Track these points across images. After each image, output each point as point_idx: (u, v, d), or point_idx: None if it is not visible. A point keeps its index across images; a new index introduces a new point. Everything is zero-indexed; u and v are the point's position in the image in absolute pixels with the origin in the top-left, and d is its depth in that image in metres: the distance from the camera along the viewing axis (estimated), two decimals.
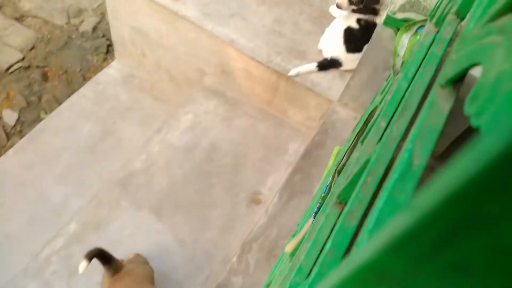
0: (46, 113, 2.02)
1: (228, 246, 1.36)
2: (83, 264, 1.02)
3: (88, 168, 1.73)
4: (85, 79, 2.15)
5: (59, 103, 1.97)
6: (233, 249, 1.33)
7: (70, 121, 1.86)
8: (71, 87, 2.12)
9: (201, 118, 1.72)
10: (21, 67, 2.13)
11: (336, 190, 0.54)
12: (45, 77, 2.14)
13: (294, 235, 0.81)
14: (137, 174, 1.53)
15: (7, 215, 1.59)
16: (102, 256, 1.07)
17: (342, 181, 0.53)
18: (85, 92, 1.96)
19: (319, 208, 0.72)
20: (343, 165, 0.73)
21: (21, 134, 1.94)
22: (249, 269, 1.17)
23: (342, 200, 0.48)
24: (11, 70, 2.11)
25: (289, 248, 0.71)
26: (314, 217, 0.69)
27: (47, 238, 1.51)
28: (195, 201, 1.48)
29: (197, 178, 1.54)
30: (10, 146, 1.85)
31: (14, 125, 1.98)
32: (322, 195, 0.74)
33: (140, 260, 1.21)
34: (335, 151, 1.34)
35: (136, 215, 1.45)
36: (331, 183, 0.73)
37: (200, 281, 1.31)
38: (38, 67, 2.16)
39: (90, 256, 1.03)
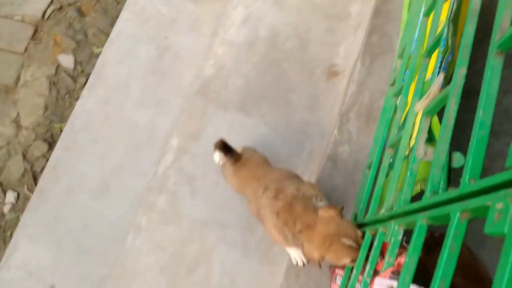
0: (97, 47, 2.05)
1: (321, 121, 1.45)
2: (216, 154, 1.17)
3: (159, 86, 1.80)
4: (118, 3, 2.11)
5: (106, 34, 1.98)
6: (326, 123, 1.43)
7: (124, 48, 1.88)
8: (109, 15, 2.10)
9: (251, 9, 1.69)
10: (54, 10, 2.11)
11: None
12: (81, 13, 2.11)
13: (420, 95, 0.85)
14: (212, 80, 1.59)
15: (108, 149, 1.74)
16: (224, 146, 1.19)
17: None
18: (126, 16, 1.94)
19: (441, 64, 0.76)
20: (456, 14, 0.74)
21: (84, 74, 2.01)
22: (352, 137, 1.27)
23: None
24: (46, 15, 2.10)
25: (420, 107, 0.77)
26: (439, 73, 0.73)
27: (151, 158, 1.68)
28: (274, 89, 1.55)
29: (268, 67, 1.58)
30: (80, 88, 1.95)
31: (74, 67, 2.04)
32: (441, 49, 0.77)
33: (251, 149, 1.33)
34: (406, 2, 1.30)
35: (225, 117, 1.55)
36: (447, 35, 0.75)
37: (304, 157, 1.44)
38: (69, 4, 2.12)
39: (219, 146, 1.16)
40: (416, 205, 0.65)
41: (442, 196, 0.56)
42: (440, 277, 0.49)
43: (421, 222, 0.61)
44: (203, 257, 1.40)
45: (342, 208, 0.93)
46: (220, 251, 1.40)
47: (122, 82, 1.82)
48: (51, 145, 1.94)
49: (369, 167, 1.12)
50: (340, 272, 1.05)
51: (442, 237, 0.52)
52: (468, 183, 0.49)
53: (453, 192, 0.52)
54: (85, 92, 1.85)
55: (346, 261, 0.91)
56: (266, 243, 1.38)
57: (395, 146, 0.92)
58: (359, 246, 0.89)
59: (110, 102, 1.81)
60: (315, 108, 1.48)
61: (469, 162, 0.50)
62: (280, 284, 1.23)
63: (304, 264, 1.20)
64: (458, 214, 0.49)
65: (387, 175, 0.95)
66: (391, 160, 0.96)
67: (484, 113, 0.51)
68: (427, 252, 1.09)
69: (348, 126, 1.28)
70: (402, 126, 0.91)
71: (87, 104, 1.82)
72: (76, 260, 1.61)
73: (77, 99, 1.88)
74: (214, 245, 1.41)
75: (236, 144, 1.50)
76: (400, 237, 0.73)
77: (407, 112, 0.89)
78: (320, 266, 0.93)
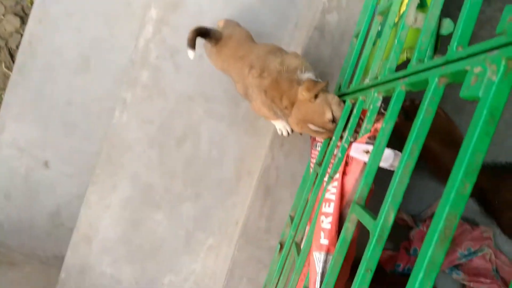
0: None
1: None
2: (190, 52, 1.10)
3: None
4: None
5: None
6: None
7: None
8: None
9: None
10: None
11: None
12: None
13: None
14: None
15: (84, 21, 1.63)
16: (200, 33, 1.13)
17: None
18: None
19: None
20: None
21: None
22: (342, 3, 1.20)
23: None
24: None
25: None
26: None
27: (131, 30, 1.60)
28: None
29: None
30: None
31: None
32: None
33: (233, 23, 1.26)
34: None
35: None
36: None
37: (290, 28, 1.38)
38: None
39: (192, 42, 1.10)
40: (401, 73, 0.65)
41: (428, 64, 0.55)
42: (413, 140, 0.52)
43: (400, 88, 0.62)
44: (190, 129, 1.44)
45: (327, 84, 0.92)
46: (207, 123, 1.44)
47: None
48: (23, 19, 1.81)
49: (356, 36, 1.09)
50: (320, 140, 1.10)
51: None
52: (455, 50, 0.48)
53: (439, 60, 0.52)
54: None
55: (317, 138, 0.96)
56: (252, 115, 1.41)
57: (385, 13, 0.88)
58: (327, 129, 0.92)
59: None
60: None
61: (459, 28, 0.49)
62: (265, 153, 1.30)
63: (288, 133, 1.25)
64: (436, 79, 0.49)
65: (374, 44, 0.93)
66: (379, 28, 0.93)
67: None
68: (406, 119, 1.14)
69: None
70: None
71: None
72: (64, 136, 1.65)
73: None
74: (201, 118, 1.44)
75: (220, 15, 1.42)
76: (379, 103, 0.74)
77: None
78: (288, 134, 0.98)
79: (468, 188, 0.39)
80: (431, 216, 1.26)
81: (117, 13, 1.62)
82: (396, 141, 0.86)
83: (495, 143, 1.28)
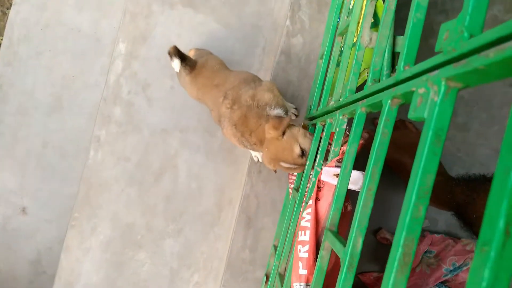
0: None
1: (273, 11, 1.36)
2: (175, 62, 1.08)
3: None
4: None
5: None
6: (278, 14, 1.34)
7: None
8: None
9: None
10: None
11: None
12: None
13: None
14: None
15: (54, 60, 1.62)
16: (178, 54, 1.10)
17: None
18: None
19: None
20: None
21: None
22: (305, 26, 1.20)
23: None
24: None
25: None
26: None
27: (102, 66, 1.59)
28: None
29: None
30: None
31: None
32: None
33: (205, 52, 1.26)
34: None
35: (172, 14, 1.43)
36: None
37: (258, 54, 1.38)
38: None
39: (173, 53, 1.08)
40: (359, 94, 0.63)
41: (381, 84, 0.54)
42: (372, 163, 0.50)
43: (360, 110, 0.60)
44: (168, 163, 1.42)
45: (290, 119, 0.91)
46: (184, 155, 1.41)
47: None
48: None
49: (321, 57, 1.09)
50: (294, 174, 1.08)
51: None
52: (403, 70, 0.47)
53: (390, 81, 0.50)
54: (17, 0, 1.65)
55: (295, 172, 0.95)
56: (228, 143, 1.39)
57: (344, 33, 0.88)
58: (299, 164, 0.91)
59: (47, 8, 1.63)
60: None
61: (405, 47, 0.47)
62: (245, 181, 1.27)
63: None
64: (389, 100, 0.48)
65: (337, 65, 0.93)
66: (342, 48, 0.93)
67: None
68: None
69: (300, 14, 1.20)
70: (351, 11, 0.86)
71: (22, 12, 1.64)
72: (42, 180, 1.60)
73: (9, 7, 1.69)
74: (177, 150, 1.41)
75: (188, 44, 1.42)
76: (344, 126, 0.73)
77: None
78: (275, 171, 0.97)
79: (422, 211, 0.37)
80: None
81: (87, 50, 1.61)
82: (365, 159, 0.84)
83: (468, 154, 1.28)
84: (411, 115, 0.40)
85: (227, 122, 1.02)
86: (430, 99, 0.37)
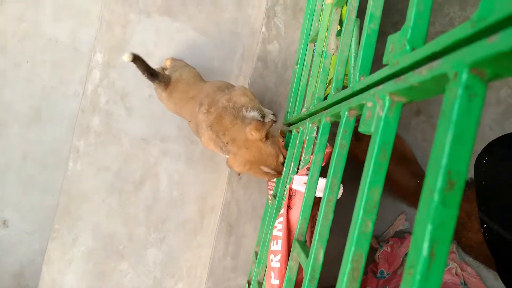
0: None
1: (250, 18, 1.36)
2: (127, 54, 1.04)
3: None
4: None
5: None
6: (255, 20, 1.34)
7: None
8: None
9: None
10: None
11: None
12: None
13: None
14: None
15: (32, 71, 1.61)
16: (147, 69, 1.09)
17: None
18: None
19: None
20: None
21: None
22: (281, 32, 1.20)
23: None
24: None
25: None
26: None
27: (80, 76, 1.57)
28: None
29: None
30: None
31: None
32: None
33: (180, 64, 1.25)
34: None
35: (149, 22, 1.42)
36: None
37: (237, 60, 1.38)
38: None
39: (135, 55, 1.05)
40: (325, 103, 0.64)
41: (340, 94, 0.54)
42: (332, 174, 0.50)
43: (325, 119, 0.61)
44: (148, 172, 1.41)
45: (272, 124, 0.90)
46: (165, 164, 1.41)
47: None
48: None
49: (297, 63, 1.09)
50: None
51: None
52: (358, 80, 0.47)
53: (347, 90, 0.51)
54: None
55: (265, 179, 0.94)
56: (208, 152, 1.39)
57: (315, 40, 0.88)
58: (279, 171, 0.90)
59: (23, 20, 1.62)
60: (243, 4, 1.37)
61: (360, 57, 0.48)
62: (225, 188, 1.27)
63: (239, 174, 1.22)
64: (346, 112, 0.48)
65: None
66: (313, 55, 0.93)
67: (374, 4, 0.47)
68: (356, 141, 1.13)
69: (275, 21, 1.20)
70: (320, 18, 0.86)
71: None
72: (22, 192, 1.58)
73: None
74: (158, 159, 1.41)
75: (166, 53, 1.41)
76: (314, 134, 0.73)
77: (324, 3, 0.83)
78: (239, 176, 0.96)
79: (370, 226, 0.38)
80: (394, 235, 1.24)
81: (65, 60, 1.60)
82: (351, 163, 0.84)
83: None
84: (361, 128, 0.40)
85: (204, 127, 1.01)
86: (376, 113, 0.37)
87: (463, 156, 0.24)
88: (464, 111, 0.24)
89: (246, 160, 0.91)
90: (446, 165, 0.24)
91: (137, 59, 1.05)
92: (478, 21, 0.24)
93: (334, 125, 0.62)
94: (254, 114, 0.96)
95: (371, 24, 0.47)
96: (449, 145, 0.24)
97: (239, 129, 0.92)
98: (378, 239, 1.25)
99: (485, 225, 0.79)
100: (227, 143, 0.93)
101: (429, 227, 0.24)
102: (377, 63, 0.50)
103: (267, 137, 0.90)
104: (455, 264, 1.13)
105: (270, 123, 0.89)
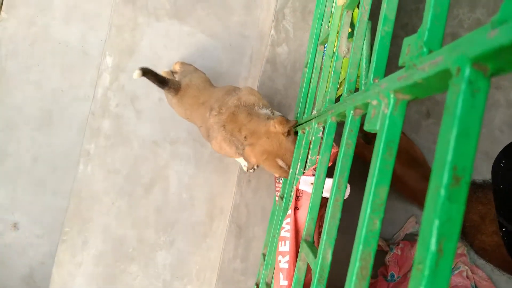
0: None
1: (258, 21, 1.37)
2: (137, 72, 1.05)
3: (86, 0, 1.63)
4: None
5: None
6: (264, 23, 1.35)
7: None
8: None
9: None
10: None
11: None
12: None
13: None
14: None
15: (42, 74, 1.63)
16: (156, 78, 1.10)
17: None
18: None
19: None
20: None
21: None
22: (290, 35, 1.21)
23: None
24: None
25: (341, 0, 0.72)
26: None
27: (91, 79, 1.59)
28: None
29: None
30: None
31: None
32: None
33: (190, 69, 1.26)
34: None
35: (159, 26, 1.44)
36: None
37: (246, 63, 1.39)
38: None
39: (144, 70, 1.06)
40: (335, 106, 0.64)
41: (355, 96, 0.54)
42: (338, 174, 0.50)
43: (330, 119, 0.61)
44: (158, 175, 1.41)
45: (296, 123, 0.91)
46: (174, 166, 1.41)
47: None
48: None
49: (306, 65, 1.09)
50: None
51: None
52: (372, 82, 0.47)
53: (360, 93, 0.51)
54: (3, 14, 1.65)
55: (276, 174, 0.94)
56: (218, 154, 1.39)
57: (325, 42, 0.88)
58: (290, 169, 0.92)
59: (34, 24, 1.64)
60: (251, 7, 1.37)
61: (373, 60, 0.48)
62: (235, 191, 1.27)
63: (254, 169, 1.23)
64: (352, 111, 0.48)
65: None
66: (323, 58, 0.93)
67: (388, 6, 0.47)
68: (366, 142, 1.13)
69: (284, 23, 1.20)
70: (330, 21, 0.86)
71: (9, 28, 1.64)
72: (33, 194, 1.60)
73: None
74: (167, 162, 1.41)
75: (175, 56, 1.42)
76: (320, 134, 0.73)
77: (334, 5, 0.83)
78: (254, 169, 0.96)
79: (378, 224, 0.38)
80: (404, 238, 1.24)
81: (75, 63, 1.61)
82: (361, 165, 0.84)
83: None
84: (366, 126, 0.40)
85: (216, 128, 1.02)
86: (381, 111, 0.37)
87: (468, 152, 0.24)
88: (468, 106, 0.24)
89: (265, 149, 0.92)
90: (451, 160, 0.24)
91: (146, 73, 1.06)
92: (499, 23, 0.24)
93: (340, 125, 0.62)
94: (267, 111, 0.97)
95: (385, 27, 0.47)
96: (454, 140, 0.24)
97: (258, 123, 0.93)
98: (388, 242, 1.24)
99: (504, 229, 0.78)
100: (245, 137, 0.94)
101: (436, 223, 0.24)
102: (388, 64, 0.51)
103: (289, 133, 0.91)
104: (466, 267, 1.12)
105: (294, 121, 0.90)
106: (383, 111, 0.36)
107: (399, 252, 1.18)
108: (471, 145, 0.24)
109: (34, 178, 1.61)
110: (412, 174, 1.11)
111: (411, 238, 1.25)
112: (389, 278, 1.15)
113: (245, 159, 0.97)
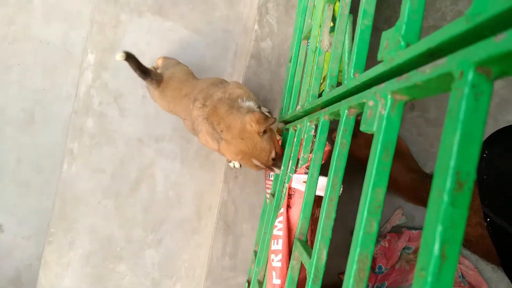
0: None
1: (242, 16, 1.35)
2: (121, 53, 1.03)
3: None
4: None
5: None
6: (248, 17, 1.34)
7: None
8: None
9: None
10: None
11: None
12: None
13: None
14: None
15: (24, 74, 1.59)
16: (139, 67, 1.08)
17: None
18: None
19: None
20: None
21: None
22: (273, 30, 1.20)
23: None
24: None
25: None
26: None
27: (73, 78, 1.56)
28: None
29: None
30: None
31: None
32: None
33: (172, 62, 1.24)
34: None
35: (141, 22, 1.41)
36: None
37: (230, 58, 1.37)
38: None
39: (128, 54, 1.04)
40: (319, 100, 0.63)
41: (337, 91, 0.54)
42: (333, 173, 0.50)
43: (323, 118, 0.60)
44: (144, 173, 1.40)
45: (274, 122, 0.90)
46: (160, 164, 1.40)
47: None
48: None
49: (290, 60, 1.09)
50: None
51: None
52: (353, 76, 0.47)
53: (342, 88, 0.50)
54: None
55: (252, 169, 0.94)
56: (204, 149, 1.38)
57: (308, 37, 0.87)
58: (267, 166, 0.91)
59: (14, 22, 1.60)
60: (234, 2, 1.36)
61: (354, 54, 0.47)
62: (222, 187, 1.27)
63: (240, 165, 1.22)
64: (346, 110, 0.48)
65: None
66: (307, 52, 0.92)
67: (367, 1, 0.46)
68: (352, 137, 1.13)
69: (267, 18, 1.19)
70: (313, 15, 0.85)
71: None
72: (18, 196, 1.57)
73: None
74: (153, 159, 1.40)
75: (159, 52, 1.40)
76: (312, 132, 0.73)
77: None
78: (240, 165, 0.95)
79: (375, 226, 0.37)
80: (391, 231, 1.25)
81: (57, 62, 1.58)
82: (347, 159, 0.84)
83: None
84: (363, 127, 0.40)
85: (200, 121, 1.00)
86: (378, 112, 0.37)
87: (471, 156, 0.24)
88: (471, 110, 0.24)
89: (240, 150, 0.90)
90: (454, 166, 0.24)
91: (130, 57, 1.04)
92: (472, 17, 0.24)
93: (333, 123, 0.61)
94: (250, 104, 0.95)
95: (365, 20, 0.47)
96: (457, 145, 0.24)
97: (235, 118, 0.91)
98: None
99: (488, 219, 0.79)
100: (221, 131, 0.92)
101: (440, 228, 0.23)
102: (372, 58, 0.50)
103: (264, 131, 0.89)
104: None
105: (272, 120, 0.88)
106: (380, 112, 0.36)
107: (387, 244, 1.19)
108: (474, 150, 0.24)
109: (18, 179, 1.58)
110: (397, 166, 1.11)
111: (398, 230, 1.26)
112: (377, 270, 1.16)
113: (220, 152, 0.95)
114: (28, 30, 1.58)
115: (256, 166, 0.91)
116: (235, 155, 0.91)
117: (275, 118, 0.89)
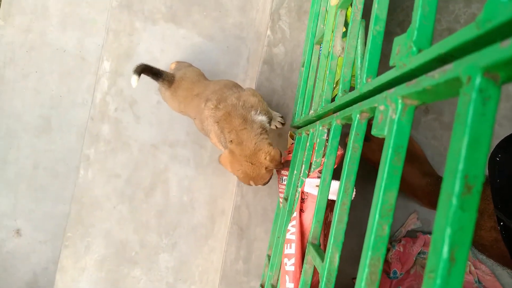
0: None
1: (254, 22, 1.37)
2: (134, 78, 1.07)
3: (78, 6, 1.63)
4: None
5: None
6: (260, 23, 1.35)
7: None
8: None
9: None
10: None
11: None
12: None
13: None
14: None
15: (41, 81, 1.63)
16: (150, 71, 1.11)
17: None
18: None
19: None
20: None
21: None
22: (286, 35, 1.21)
23: None
24: None
25: (335, 0, 0.72)
26: None
27: (89, 85, 1.59)
28: None
29: None
30: None
31: None
32: None
33: (185, 64, 1.26)
34: None
35: (155, 30, 1.44)
36: None
37: (243, 64, 1.39)
38: None
39: (138, 70, 1.08)
40: (332, 105, 0.64)
41: (349, 96, 0.54)
42: (345, 178, 0.50)
43: (336, 122, 0.61)
44: (158, 178, 1.42)
45: (284, 163, 0.96)
46: (174, 169, 1.41)
47: (39, 4, 1.63)
48: None
49: (303, 65, 1.09)
50: (285, 173, 1.08)
51: None
52: (365, 82, 0.47)
53: (354, 93, 0.51)
54: (0, 22, 1.66)
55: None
56: (217, 155, 1.39)
57: (320, 42, 0.88)
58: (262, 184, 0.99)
59: (31, 30, 1.64)
60: (247, 8, 1.37)
61: (366, 60, 0.48)
62: (235, 192, 1.27)
63: None
64: (358, 115, 0.48)
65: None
66: (319, 57, 0.93)
67: (379, 6, 0.47)
68: (365, 141, 1.13)
69: (280, 24, 1.20)
70: (325, 20, 0.86)
71: (6, 36, 1.65)
72: (34, 201, 1.60)
73: None
74: (167, 165, 1.42)
75: (172, 59, 1.42)
76: (325, 137, 0.73)
77: (328, 4, 0.83)
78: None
79: (387, 229, 0.37)
80: (406, 235, 1.24)
81: (73, 69, 1.62)
82: (360, 164, 0.84)
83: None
84: (374, 131, 0.40)
85: (211, 122, 1.01)
86: (389, 116, 0.37)
87: (479, 160, 0.24)
88: (479, 114, 0.24)
89: (244, 171, 0.95)
90: (463, 169, 0.24)
91: (142, 72, 1.07)
92: (483, 23, 0.24)
93: (345, 127, 0.62)
94: (263, 118, 0.96)
95: (377, 26, 0.47)
96: (465, 149, 0.24)
97: (250, 137, 0.93)
98: (390, 239, 1.24)
99: (501, 223, 0.78)
100: (230, 141, 0.94)
101: (449, 231, 0.24)
102: (384, 63, 0.50)
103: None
104: (469, 262, 1.11)
105: (283, 159, 0.95)
106: (391, 116, 0.36)
107: (401, 249, 1.18)
108: (482, 154, 0.24)
109: (35, 184, 1.62)
110: (412, 170, 1.11)
111: (413, 235, 1.25)
112: (391, 275, 1.15)
113: (220, 161, 0.99)
114: (44, 38, 1.62)
115: (249, 183, 0.96)
116: (236, 171, 0.95)
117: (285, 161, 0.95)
